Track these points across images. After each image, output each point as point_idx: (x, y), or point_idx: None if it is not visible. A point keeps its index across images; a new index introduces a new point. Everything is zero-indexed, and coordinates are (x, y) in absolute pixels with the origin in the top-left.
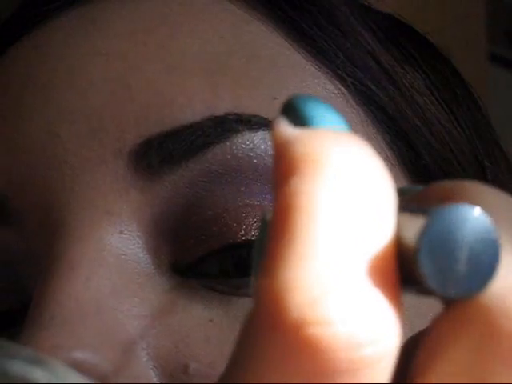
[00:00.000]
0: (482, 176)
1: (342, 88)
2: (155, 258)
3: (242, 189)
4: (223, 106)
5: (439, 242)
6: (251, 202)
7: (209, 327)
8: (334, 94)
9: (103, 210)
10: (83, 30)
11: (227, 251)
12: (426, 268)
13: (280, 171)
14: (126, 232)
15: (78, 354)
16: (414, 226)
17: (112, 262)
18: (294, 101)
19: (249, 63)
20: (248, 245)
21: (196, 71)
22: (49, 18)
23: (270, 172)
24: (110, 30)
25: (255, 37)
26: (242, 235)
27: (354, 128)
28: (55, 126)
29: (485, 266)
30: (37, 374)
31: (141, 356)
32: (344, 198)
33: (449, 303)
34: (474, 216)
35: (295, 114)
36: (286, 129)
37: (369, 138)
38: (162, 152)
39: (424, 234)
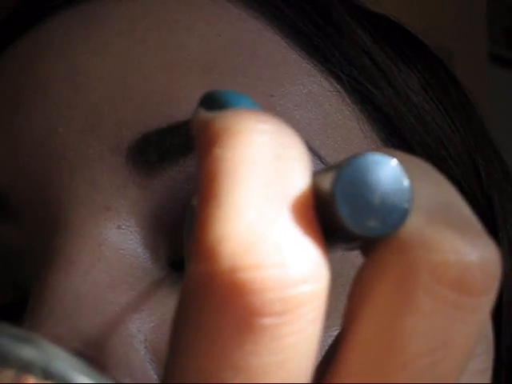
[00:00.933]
0: (476, 173)
1: (338, 86)
2: (153, 253)
3: None
4: None
5: (352, 184)
6: None
7: None
8: (330, 91)
9: (101, 205)
10: (82, 27)
11: None
12: (342, 210)
13: (201, 145)
14: (124, 227)
15: (77, 345)
16: (329, 176)
17: (110, 256)
18: (210, 92)
19: (246, 61)
20: None
21: (193, 68)
22: (48, 16)
23: None
24: (108, 27)
25: (252, 35)
26: None
27: (349, 125)
28: (54, 122)
29: (398, 205)
30: (25, 350)
31: (139, 349)
32: (260, 161)
33: (369, 248)
34: (384, 160)
35: (212, 101)
36: (204, 114)
37: (364, 136)
38: (159, 148)
39: (338, 178)
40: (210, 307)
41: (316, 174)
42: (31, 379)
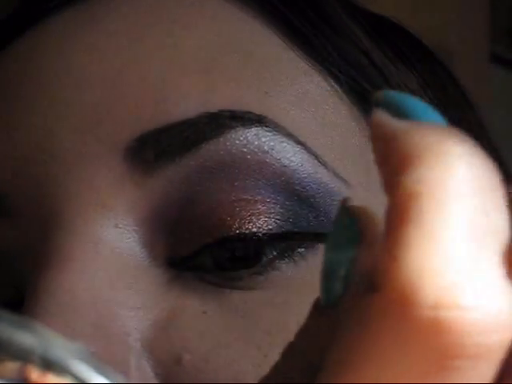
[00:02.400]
0: None
1: (336, 85)
2: (150, 252)
3: (236, 184)
4: (217, 102)
5: None
6: (245, 197)
7: (202, 319)
8: (328, 91)
9: (98, 204)
10: (80, 27)
11: (222, 245)
12: None
13: (398, 159)
14: (121, 226)
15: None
16: None
17: (107, 254)
18: (392, 94)
19: (243, 61)
20: (242, 238)
21: (191, 68)
22: (46, 16)
23: (263, 167)
24: (106, 26)
25: (249, 35)
26: (236, 228)
27: (346, 125)
28: (51, 121)
29: None
30: (23, 337)
31: (135, 347)
32: (471, 188)
33: None
34: None
35: (395, 106)
36: (390, 120)
37: (362, 135)
38: (156, 147)
39: None
40: (400, 337)
41: None
42: (34, 372)
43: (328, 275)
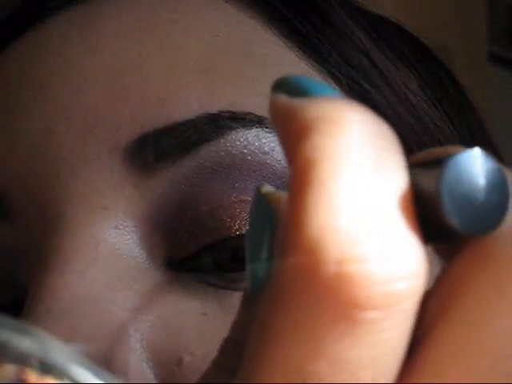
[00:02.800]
0: None
1: (336, 86)
2: (150, 253)
3: (236, 185)
4: (217, 103)
5: (458, 182)
6: (245, 198)
7: (202, 321)
8: None
9: (98, 205)
10: (80, 28)
11: (222, 246)
12: (448, 207)
13: (294, 131)
14: (121, 227)
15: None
16: (429, 174)
17: (107, 256)
18: (286, 78)
19: (243, 61)
20: (242, 239)
21: (191, 69)
22: (47, 17)
23: (263, 168)
24: (106, 28)
25: (249, 35)
26: (237, 230)
27: None
28: (51, 122)
29: (499, 202)
30: (23, 341)
31: (135, 348)
32: (363, 151)
33: (463, 244)
34: (484, 157)
35: (290, 87)
36: (286, 99)
37: None
38: (156, 148)
39: (443, 175)
40: (311, 299)
41: (410, 169)
42: (32, 375)
43: (250, 260)
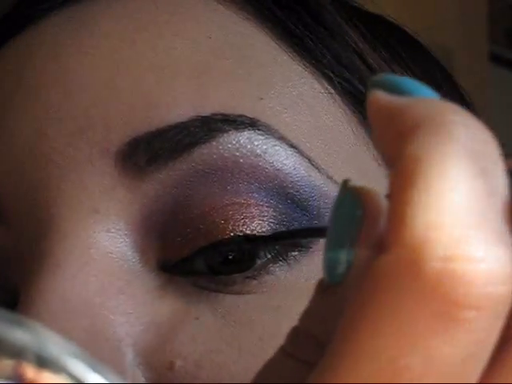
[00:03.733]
0: None
1: (329, 87)
2: (142, 256)
3: (229, 187)
4: (209, 105)
5: None
6: (238, 200)
7: (195, 325)
8: (321, 93)
9: (90, 209)
10: (72, 29)
11: (215, 249)
12: None
13: (400, 130)
14: (113, 230)
15: None
16: None
17: (99, 259)
18: (387, 75)
19: (236, 63)
20: (235, 242)
21: (183, 71)
22: (39, 19)
23: (255, 171)
24: (98, 29)
25: (242, 37)
26: (229, 232)
27: (340, 127)
28: (43, 124)
29: None
30: (17, 334)
31: (127, 353)
32: (469, 152)
33: None
34: None
35: (392, 86)
36: (387, 97)
37: (355, 138)
38: (148, 151)
39: None
40: (413, 293)
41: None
42: (29, 370)
43: (332, 250)
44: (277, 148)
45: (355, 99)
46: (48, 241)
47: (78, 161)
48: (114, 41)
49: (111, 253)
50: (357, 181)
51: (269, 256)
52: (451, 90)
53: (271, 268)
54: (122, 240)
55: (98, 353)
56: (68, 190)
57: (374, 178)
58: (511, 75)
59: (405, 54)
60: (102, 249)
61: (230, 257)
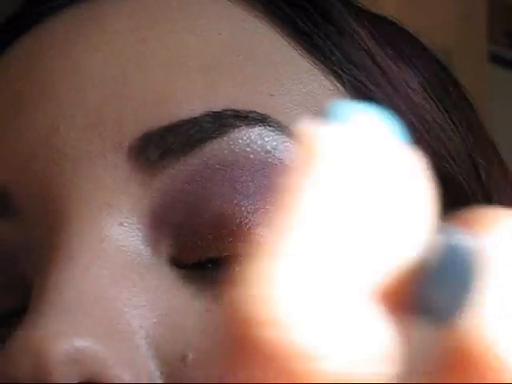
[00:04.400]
0: (476, 174)
1: (338, 84)
2: (154, 250)
3: (239, 184)
4: (221, 101)
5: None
6: (248, 199)
7: (206, 317)
8: (330, 90)
9: (103, 202)
10: (83, 26)
11: (226, 245)
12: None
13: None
14: (125, 224)
15: (80, 342)
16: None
17: (111, 252)
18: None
19: (246, 60)
20: (247, 239)
21: (194, 67)
22: (49, 17)
23: (265, 167)
24: (109, 25)
25: (252, 34)
26: (240, 230)
27: None
28: (55, 120)
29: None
30: None
31: (140, 345)
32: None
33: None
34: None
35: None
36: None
37: None
38: (161, 146)
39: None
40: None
41: None
42: None
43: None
44: (287, 144)
45: (363, 96)
46: (61, 234)
47: (90, 154)
48: (125, 37)
49: (124, 246)
50: None
51: None
52: (454, 89)
53: None
54: (134, 234)
55: (113, 345)
56: (81, 183)
57: None
58: (511, 75)
59: (410, 52)
60: (114, 242)
61: (241, 253)
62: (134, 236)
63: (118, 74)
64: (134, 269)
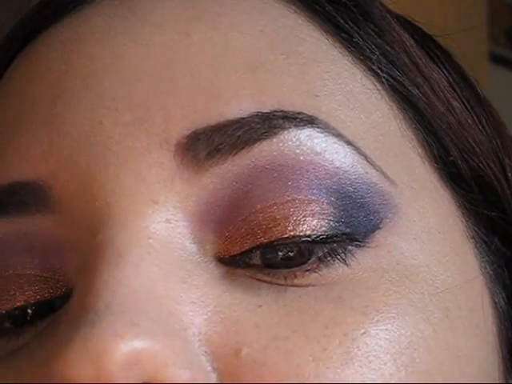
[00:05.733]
0: (503, 173)
1: (377, 84)
2: (200, 248)
3: (289, 183)
4: (269, 102)
5: None
6: (299, 197)
7: (258, 313)
8: (369, 89)
9: (149, 199)
10: (122, 17)
11: (274, 245)
12: None
13: None
14: (171, 221)
15: (139, 343)
16: None
17: (159, 249)
18: None
19: (289, 58)
20: (295, 240)
21: (240, 65)
22: (84, 4)
23: (315, 168)
24: (149, 18)
25: (293, 31)
26: (290, 230)
27: (388, 124)
28: (98, 113)
29: None
30: None
31: (193, 342)
32: None
33: None
34: None
35: None
36: None
37: (402, 135)
38: (208, 145)
39: None
40: None
41: None
42: None
43: None
44: (336, 146)
45: (401, 96)
46: (106, 230)
47: (136, 151)
48: (167, 31)
49: (171, 243)
50: (406, 177)
51: (326, 251)
52: (476, 90)
53: (330, 262)
54: (180, 231)
55: (169, 345)
56: (126, 179)
57: (420, 175)
58: (511, 75)
59: (437, 53)
60: (161, 239)
61: (291, 254)
62: (180, 233)
63: (163, 69)
64: (183, 265)
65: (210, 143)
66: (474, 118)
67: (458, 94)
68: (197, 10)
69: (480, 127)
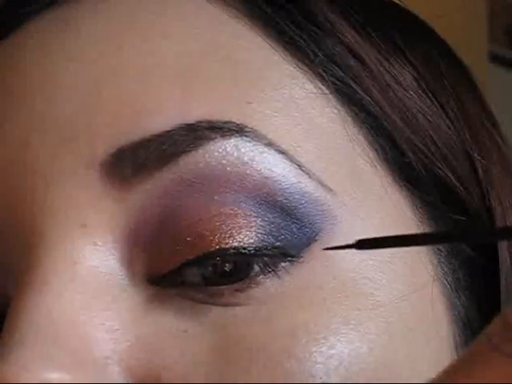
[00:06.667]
0: (472, 170)
1: (323, 87)
2: (130, 269)
3: (216, 197)
4: (195, 112)
5: None
6: (225, 211)
7: (183, 338)
8: (314, 93)
9: (77, 221)
10: (58, 32)
11: (202, 261)
12: None
13: None
14: (99, 243)
15: (51, 375)
16: None
17: (85, 275)
18: None
19: (223, 66)
20: (222, 254)
21: (168, 75)
22: (26, 22)
23: (243, 179)
24: (82, 32)
25: (231, 37)
26: (216, 244)
27: (333, 128)
28: (27, 134)
29: None
30: None
31: (113, 371)
32: None
33: None
34: None
35: None
36: None
37: (349, 139)
38: (134, 162)
39: None
40: None
41: None
42: None
43: None
44: (265, 155)
45: (349, 98)
46: (34, 255)
47: (63, 172)
48: (100, 45)
49: (97, 267)
50: (349, 184)
51: (257, 268)
52: (454, 77)
53: (261, 280)
54: (109, 253)
55: (83, 376)
56: (53, 202)
57: (368, 181)
58: (511, 75)
59: (404, 44)
60: (88, 263)
61: (218, 269)
62: (108, 256)
63: (91, 86)
64: (108, 291)
65: (136, 159)
66: (440, 111)
67: (422, 89)
68: (131, 20)
69: (447, 121)
